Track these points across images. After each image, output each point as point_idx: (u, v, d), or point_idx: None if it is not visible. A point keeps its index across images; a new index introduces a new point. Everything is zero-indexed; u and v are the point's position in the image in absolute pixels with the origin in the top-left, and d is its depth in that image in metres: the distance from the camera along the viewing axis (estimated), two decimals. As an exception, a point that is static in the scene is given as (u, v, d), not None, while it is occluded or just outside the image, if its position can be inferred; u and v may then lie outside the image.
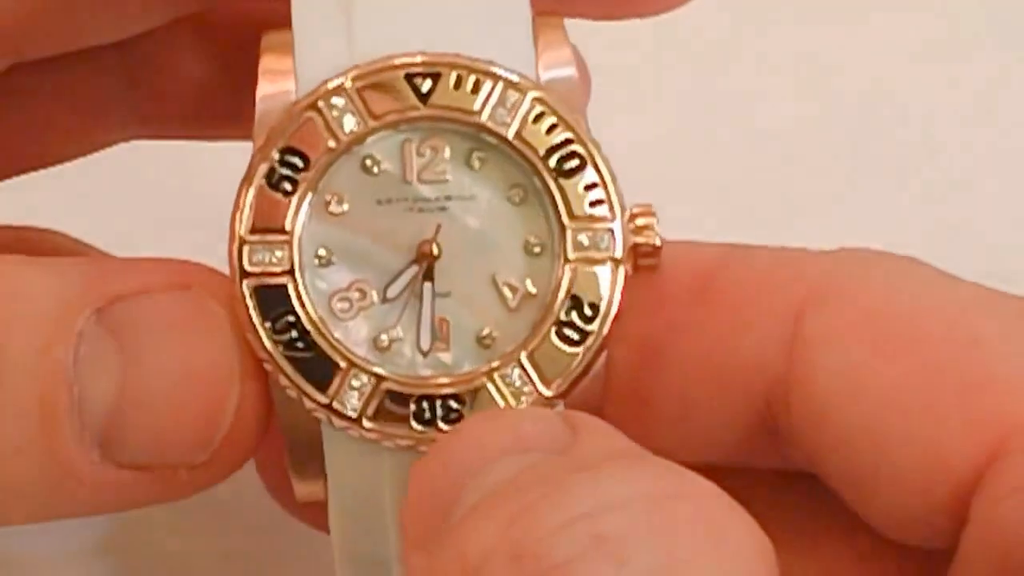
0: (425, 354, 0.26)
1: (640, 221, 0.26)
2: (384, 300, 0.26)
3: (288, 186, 0.26)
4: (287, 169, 0.26)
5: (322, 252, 0.26)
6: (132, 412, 0.25)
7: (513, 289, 0.26)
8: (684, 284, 0.27)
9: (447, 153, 0.26)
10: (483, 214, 0.26)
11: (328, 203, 0.26)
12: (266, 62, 0.26)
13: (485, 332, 0.26)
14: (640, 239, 0.26)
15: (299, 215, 0.26)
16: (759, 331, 0.26)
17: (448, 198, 0.26)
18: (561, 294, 0.26)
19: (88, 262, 0.27)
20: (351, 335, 0.26)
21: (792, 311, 0.26)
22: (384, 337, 0.26)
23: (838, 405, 0.25)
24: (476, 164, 0.26)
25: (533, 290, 0.26)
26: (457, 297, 0.26)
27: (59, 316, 0.25)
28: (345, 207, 0.26)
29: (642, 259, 0.26)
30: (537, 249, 0.26)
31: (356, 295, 0.26)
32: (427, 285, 0.26)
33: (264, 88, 0.26)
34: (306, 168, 0.26)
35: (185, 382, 0.25)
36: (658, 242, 0.26)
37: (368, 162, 0.26)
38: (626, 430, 0.24)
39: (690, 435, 0.27)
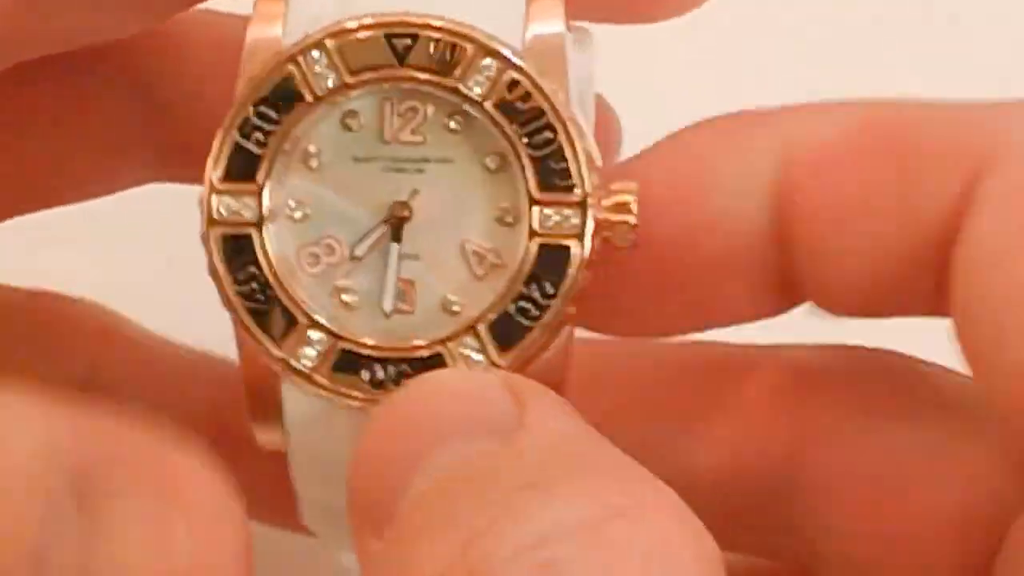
0: (387, 315, 0.25)
1: (618, 198, 0.26)
2: (352, 258, 0.26)
3: (261, 136, 0.25)
4: (261, 120, 0.25)
5: (293, 205, 0.26)
6: None
7: (481, 257, 0.26)
8: (850, 141, 0.26)
9: (427, 115, 0.26)
10: (458, 179, 0.26)
11: (306, 157, 0.26)
12: (260, 5, 0.26)
13: (451, 298, 0.25)
14: (616, 217, 0.26)
15: (273, 167, 0.25)
16: (937, 191, 0.25)
17: (425, 160, 0.26)
18: (526, 267, 0.25)
19: (69, 416, 0.24)
20: (315, 290, 0.25)
21: (970, 171, 0.25)
22: (348, 295, 0.26)
23: (988, 276, 0.24)
24: (455, 127, 0.26)
25: (500, 260, 0.26)
26: (425, 260, 0.26)
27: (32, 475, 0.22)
28: (322, 161, 0.26)
29: (618, 237, 0.26)
30: (509, 219, 0.26)
31: (324, 250, 0.26)
32: (394, 246, 0.26)
33: (253, 31, 0.26)
34: (279, 121, 0.25)
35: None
36: (634, 221, 0.25)
37: (348, 119, 0.26)
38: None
39: (861, 288, 0.27)
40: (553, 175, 0.25)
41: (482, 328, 0.25)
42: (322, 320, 0.25)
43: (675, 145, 0.27)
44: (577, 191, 0.25)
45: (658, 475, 0.23)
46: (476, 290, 0.26)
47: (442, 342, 0.25)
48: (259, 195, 0.25)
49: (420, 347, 0.25)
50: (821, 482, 0.27)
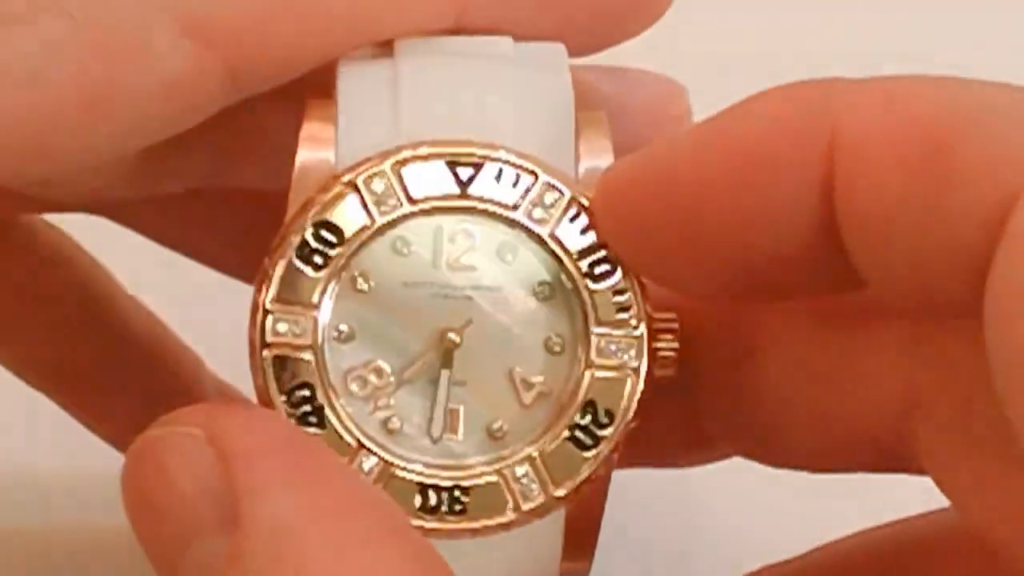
0: (435, 441, 0.26)
1: (662, 338, 0.26)
2: (400, 383, 0.26)
3: (319, 260, 0.25)
4: (320, 244, 0.25)
5: (344, 328, 0.26)
6: None
7: (529, 385, 0.26)
8: (909, 150, 0.24)
9: (479, 243, 0.26)
10: (508, 307, 0.26)
11: (355, 279, 0.26)
12: (308, 128, 0.26)
13: (496, 425, 0.26)
14: (659, 344, 0.26)
15: (327, 290, 0.25)
16: (969, 216, 0.23)
17: (475, 288, 0.26)
18: (579, 397, 0.26)
19: None
20: (364, 414, 0.26)
21: (1007, 199, 0.23)
22: (396, 420, 0.26)
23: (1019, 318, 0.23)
24: (507, 257, 0.26)
25: (548, 389, 0.26)
26: (472, 387, 0.26)
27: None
28: (372, 285, 0.26)
29: (659, 369, 0.26)
30: (557, 348, 0.26)
31: (372, 374, 0.26)
32: (444, 373, 0.26)
33: (303, 155, 0.26)
34: (339, 244, 0.25)
35: None
36: (674, 354, 0.26)
37: (399, 243, 0.26)
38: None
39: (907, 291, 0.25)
40: (611, 306, 0.26)
41: (536, 455, 0.26)
42: (373, 445, 0.25)
43: (728, 126, 0.26)
44: (636, 322, 0.26)
45: None
46: (523, 417, 0.26)
47: (496, 471, 0.25)
48: (315, 319, 0.25)
49: (472, 475, 0.25)
50: None
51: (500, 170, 0.26)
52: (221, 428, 0.24)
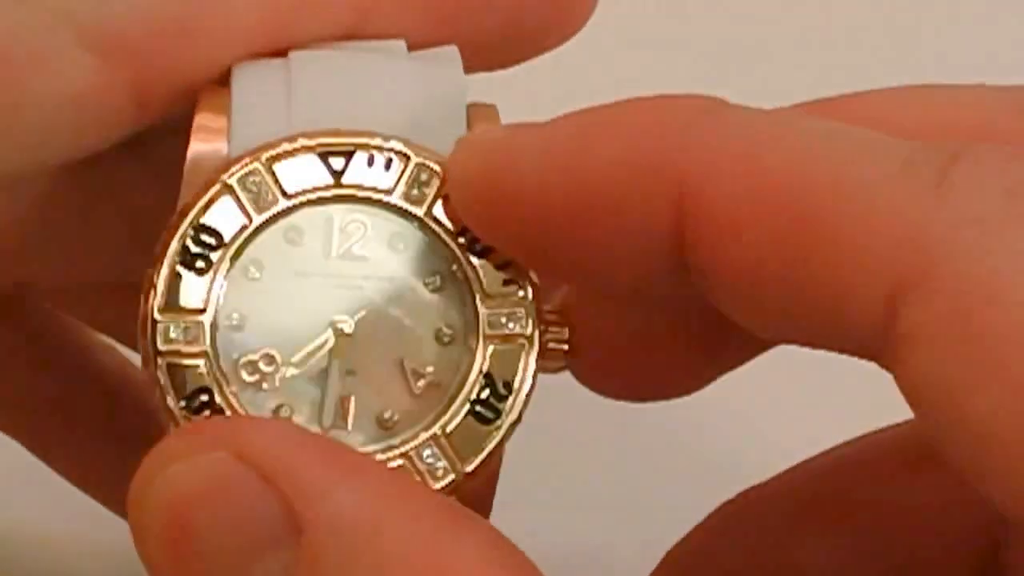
0: (325, 431, 0.26)
1: (553, 330, 0.26)
2: (290, 372, 0.26)
3: (202, 264, 0.25)
4: (201, 247, 0.26)
5: (236, 316, 0.26)
6: None
7: (418, 375, 0.26)
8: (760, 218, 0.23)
9: (370, 232, 0.26)
10: (398, 297, 0.26)
11: (247, 268, 0.26)
12: (200, 119, 0.26)
13: (387, 415, 0.26)
14: (550, 338, 0.26)
15: (213, 289, 0.25)
16: (859, 301, 0.22)
17: (366, 277, 0.26)
18: (473, 374, 0.26)
19: None
20: (255, 403, 0.25)
21: (894, 281, 0.22)
22: (286, 409, 0.26)
23: (937, 421, 0.22)
24: (399, 246, 0.26)
25: (438, 379, 0.26)
26: (362, 377, 0.26)
27: None
28: (263, 274, 0.26)
29: (549, 362, 0.26)
30: (447, 338, 0.26)
31: (263, 363, 0.26)
32: (335, 362, 0.26)
33: (196, 147, 0.26)
34: (219, 246, 0.26)
35: None
36: (566, 347, 0.26)
37: (291, 233, 0.26)
38: None
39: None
40: (497, 278, 0.26)
41: (439, 435, 0.25)
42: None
43: (576, 149, 0.25)
44: (522, 291, 0.26)
45: None
46: (414, 406, 0.26)
47: (401, 455, 0.25)
48: (202, 324, 0.25)
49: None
50: None
51: (371, 156, 0.26)
52: (244, 442, 0.23)
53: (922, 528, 0.29)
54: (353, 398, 0.26)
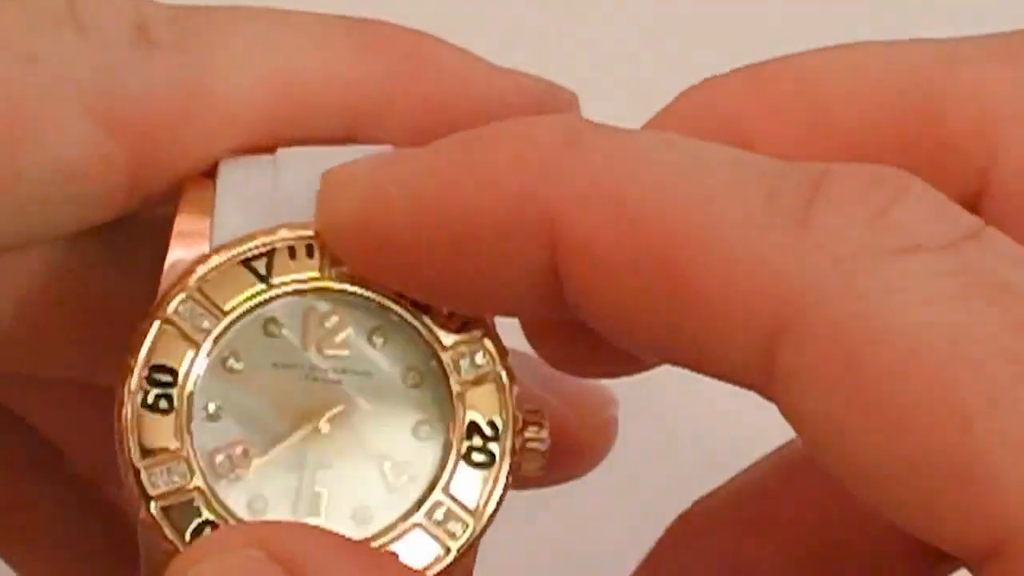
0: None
1: (530, 432, 0.26)
2: (265, 464, 0.26)
3: (164, 404, 0.26)
4: (158, 388, 0.26)
5: (212, 407, 0.26)
6: None
7: (396, 471, 0.26)
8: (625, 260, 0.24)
9: (349, 326, 0.26)
10: (376, 392, 0.26)
11: (226, 359, 0.26)
12: (181, 223, 0.27)
13: (363, 507, 0.26)
14: (530, 442, 0.26)
15: (183, 426, 0.25)
16: (732, 352, 0.23)
17: (344, 371, 0.26)
18: (462, 418, 0.26)
19: None
20: (230, 496, 0.26)
21: (766, 327, 0.23)
22: (260, 501, 0.26)
23: (822, 460, 0.23)
24: (378, 342, 0.26)
25: (416, 473, 0.26)
26: (337, 471, 0.26)
27: None
28: (241, 365, 0.26)
29: (527, 463, 0.26)
30: (424, 433, 0.26)
31: (238, 453, 0.26)
32: (310, 456, 0.26)
33: (175, 253, 0.26)
34: (175, 383, 0.26)
35: None
36: (544, 448, 0.26)
37: (270, 325, 0.26)
38: None
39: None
40: (447, 326, 0.26)
41: (441, 495, 0.25)
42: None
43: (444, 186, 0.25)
44: (476, 330, 0.26)
45: None
46: (389, 499, 0.26)
47: (415, 525, 0.25)
48: (186, 458, 0.25)
49: (382, 533, 0.25)
50: None
51: (291, 248, 0.26)
52: (279, 542, 0.23)
53: (868, 526, 0.29)
54: (326, 492, 0.26)
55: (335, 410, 0.26)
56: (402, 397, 0.26)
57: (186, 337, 0.26)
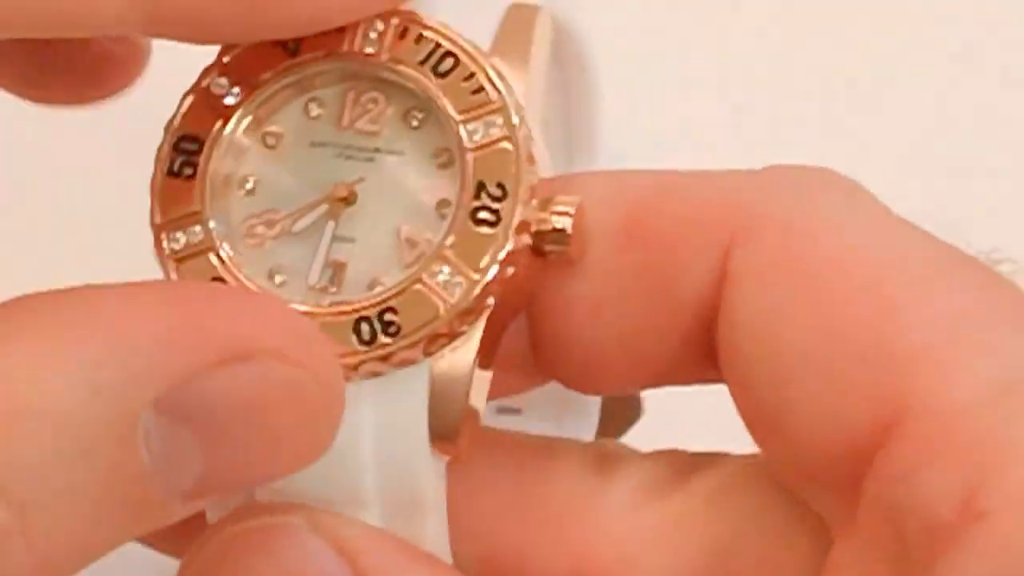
0: (309, 290, 0.26)
1: (555, 207, 0.26)
2: (289, 234, 0.26)
3: (188, 170, 0.26)
4: (183, 156, 0.26)
5: (247, 181, 0.27)
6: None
7: (413, 244, 0.26)
8: (611, 226, 0.26)
9: (385, 107, 0.27)
10: (406, 170, 0.26)
11: (267, 137, 0.27)
12: None
13: (379, 280, 0.26)
14: (548, 226, 0.26)
15: (205, 192, 0.26)
16: (692, 271, 0.26)
17: (377, 150, 0.26)
18: (470, 184, 0.26)
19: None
20: (252, 264, 0.26)
21: (723, 246, 0.25)
22: (279, 274, 0.26)
23: (751, 349, 0.25)
24: (413, 122, 0.27)
25: (429, 249, 0.26)
26: (360, 244, 0.26)
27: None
28: (281, 143, 0.27)
29: (550, 244, 0.26)
30: (446, 211, 0.26)
31: (263, 226, 0.26)
32: (330, 224, 0.26)
33: None
34: (200, 150, 0.26)
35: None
36: (568, 228, 0.26)
37: (311, 104, 0.27)
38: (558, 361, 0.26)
39: (625, 371, 0.27)
40: (465, 91, 0.26)
41: (448, 253, 0.25)
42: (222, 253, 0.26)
43: None
44: (494, 94, 0.26)
45: None
46: (403, 275, 0.26)
47: (414, 280, 0.25)
48: (202, 221, 0.26)
49: (395, 290, 0.25)
50: None
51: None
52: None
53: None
54: (347, 264, 0.26)
55: (363, 186, 0.26)
56: (430, 176, 0.26)
57: (214, 108, 0.26)
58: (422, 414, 0.25)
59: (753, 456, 0.27)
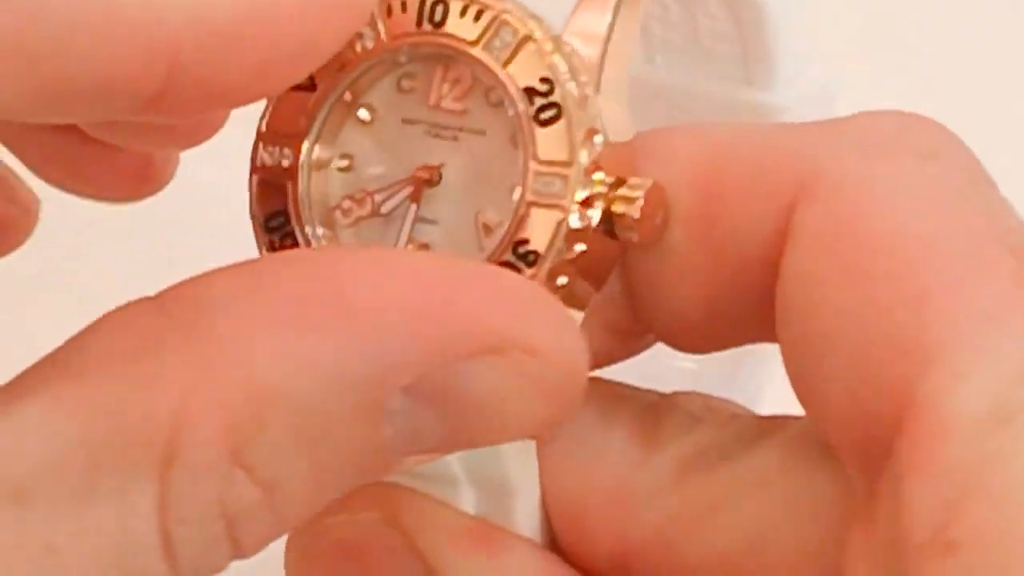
0: None
1: (623, 191, 0.25)
2: (377, 214, 0.26)
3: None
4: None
5: (344, 159, 0.27)
6: None
7: (488, 230, 0.26)
8: (687, 183, 0.26)
9: (472, 85, 0.26)
10: (486, 151, 0.26)
11: (359, 111, 0.27)
12: None
13: None
14: (618, 208, 0.25)
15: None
16: (760, 226, 0.25)
17: (461, 129, 0.26)
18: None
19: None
20: (346, 243, 0.26)
21: (788, 202, 0.25)
22: None
23: (798, 309, 0.25)
24: (493, 99, 0.26)
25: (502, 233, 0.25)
26: (442, 226, 0.26)
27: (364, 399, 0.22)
28: (373, 118, 0.27)
29: (621, 229, 0.25)
30: (516, 195, 0.25)
31: (358, 202, 0.27)
32: (412, 207, 0.26)
33: None
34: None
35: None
36: (636, 214, 0.25)
37: (404, 80, 0.27)
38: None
39: (713, 330, 0.27)
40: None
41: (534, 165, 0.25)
42: None
43: None
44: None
45: None
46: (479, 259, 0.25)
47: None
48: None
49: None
50: None
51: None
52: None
53: None
54: (431, 247, 0.26)
55: (446, 168, 0.26)
56: (509, 157, 0.26)
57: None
58: None
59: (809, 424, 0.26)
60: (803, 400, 0.25)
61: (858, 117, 0.26)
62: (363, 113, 0.27)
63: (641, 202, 0.25)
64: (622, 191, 0.25)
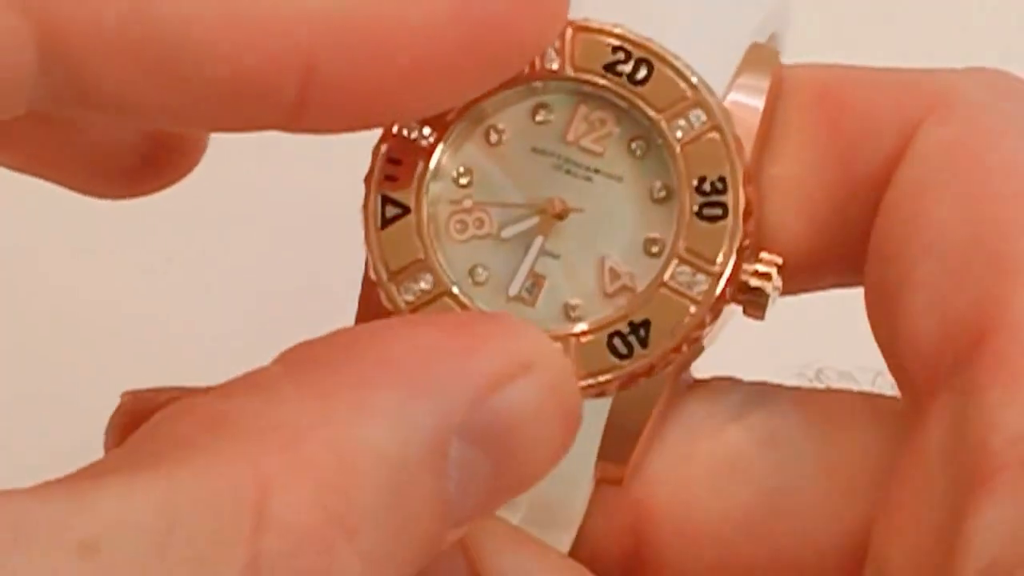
0: (509, 299, 0.26)
1: (760, 267, 0.26)
2: (498, 237, 0.26)
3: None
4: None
5: (462, 170, 0.27)
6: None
7: (616, 276, 0.26)
8: (805, 99, 0.27)
9: (613, 129, 0.26)
10: (621, 198, 0.26)
11: (489, 132, 0.27)
12: None
13: (573, 303, 0.26)
14: (754, 282, 0.26)
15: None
16: (880, 140, 0.26)
17: (597, 171, 0.26)
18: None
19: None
20: (454, 258, 0.26)
21: (914, 119, 0.26)
22: (482, 271, 0.26)
23: (896, 220, 0.25)
24: (637, 151, 0.26)
25: (633, 284, 0.26)
26: (563, 262, 0.26)
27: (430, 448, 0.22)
28: (502, 141, 0.27)
29: (750, 309, 0.26)
30: (655, 250, 0.26)
31: (474, 221, 0.26)
32: (539, 238, 0.26)
33: None
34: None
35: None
36: (770, 294, 0.26)
37: (539, 109, 0.27)
38: None
39: (819, 260, 0.27)
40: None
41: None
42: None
43: None
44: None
45: None
46: (600, 304, 0.26)
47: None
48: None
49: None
50: None
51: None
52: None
53: None
54: (548, 279, 0.26)
55: (578, 205, 0.26)
56: (644, 209, 0.26)
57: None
58: (596, 437, 0.26)
59: (810, 391, 0.27)
60: (879, 315, 0.25)
61: (971, 68, 0.26)
62: (493, 136, 0.27)
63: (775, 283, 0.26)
64: (758, 267, 0.26)
